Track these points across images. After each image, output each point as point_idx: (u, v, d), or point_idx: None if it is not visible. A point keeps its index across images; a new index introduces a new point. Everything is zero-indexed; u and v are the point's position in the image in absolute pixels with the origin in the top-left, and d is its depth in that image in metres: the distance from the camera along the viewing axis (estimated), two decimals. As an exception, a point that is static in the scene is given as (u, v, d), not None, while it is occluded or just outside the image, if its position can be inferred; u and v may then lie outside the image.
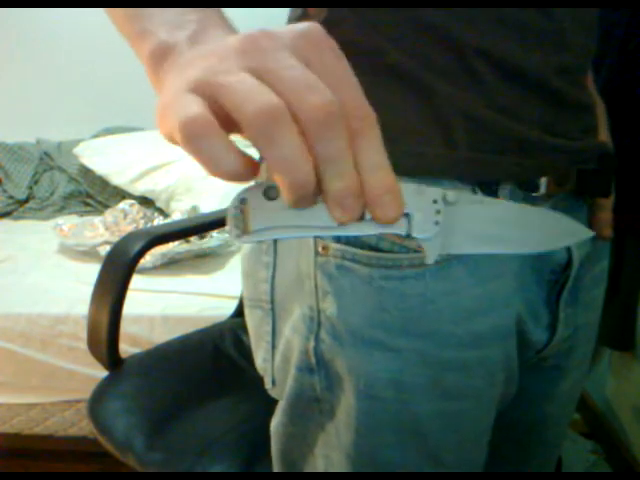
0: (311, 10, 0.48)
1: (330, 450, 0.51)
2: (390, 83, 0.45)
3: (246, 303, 0.55)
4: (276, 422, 0.54)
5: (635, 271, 1.39)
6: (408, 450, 0.49)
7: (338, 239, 0.46)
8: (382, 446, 0.49)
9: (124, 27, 0.37)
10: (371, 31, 0.45)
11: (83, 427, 1.48)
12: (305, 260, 0.47)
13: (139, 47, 0.34)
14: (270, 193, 0.28)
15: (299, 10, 0.49)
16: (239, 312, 1.25)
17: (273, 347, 0.52)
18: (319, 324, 0.47)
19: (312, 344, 0.48)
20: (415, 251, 0.45)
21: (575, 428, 1.66)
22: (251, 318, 0.54)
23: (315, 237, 0.46)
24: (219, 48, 0.27)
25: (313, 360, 0.48)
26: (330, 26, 0.45)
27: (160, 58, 0.32)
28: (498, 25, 0.44)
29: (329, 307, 0.46)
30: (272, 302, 0.51)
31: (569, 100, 0.49)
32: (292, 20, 0.51)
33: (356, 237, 0.44)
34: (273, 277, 0.50)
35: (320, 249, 0.46)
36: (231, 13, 0.38)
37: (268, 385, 0.54)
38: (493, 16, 0.44)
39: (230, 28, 0.34)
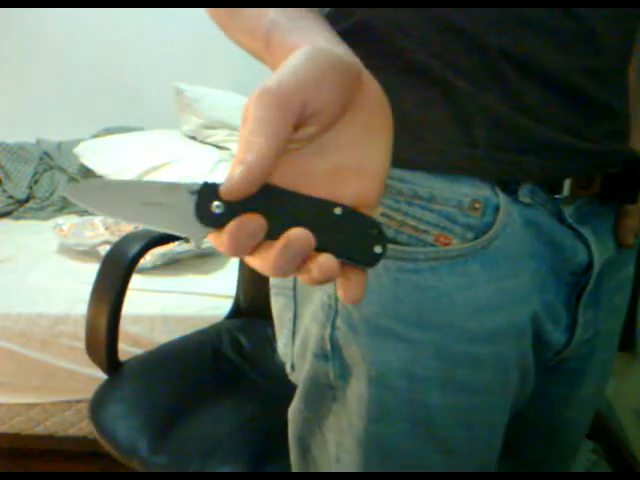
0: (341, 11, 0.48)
1: (342, 437, 0.51)
2: (415, 81, 0.46)
3: (272, 291, 0.56)
4: (293, 407, 0.56)
5: (635, 272, 1.39)
6: (418, 439, 0.49)
7: None
8: (392, 434, 0.49)
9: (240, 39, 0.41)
10: (397, 32, 0.46)
11: (83, 427, 1.48)
12: None
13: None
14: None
15: (327, 10, 0.50)
16: (235, 313, 1.25)
17: (294, 333, 0.54)
18: (336, 312, 0.48)
19: (328, 331, 0.49)
20: (432, 245, 0.45)
21: (575, 428, 1.65)
22: (275, 304, 0.56)
23: None
24: None
25: (328, 347, 0.49)
26: (359, 28, 0.46)
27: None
28: (522, 26, 0.44)
29: None
30: (294, 289, 0.52)
31: (596, 103, 0.47)
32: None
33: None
34: None
35: None
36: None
37: (288, 370, 0.56)
38: (517, 17, 0.44)
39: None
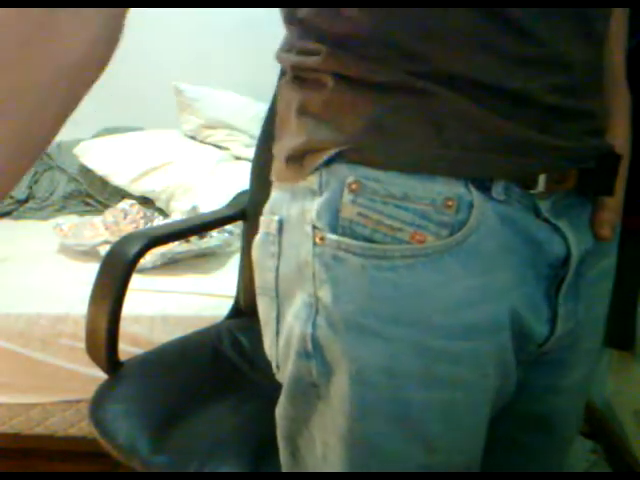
0: (309, 46, 0.50)
1: (327, 435, 0.52)
2: (389, 90, 0.47)
3: (257, 291, 0.57)
4: (279, 407, 0.56)
5: (635, 271, 1.39)
6: (400, 436, 0.50)
7: (334, 231, 0.47)
8: (375, 431, 0.50)
9: None
10: (362, 61, 0.47)
11: (83, 427, 1.48)
12: (305, 250, 0.49)
13: None
14: None
15: (294, 43, 0.51)
16: (235, 313, 1.25)
17: (277, 333, 0.54)
18: (317, 311, 0.49)
19: (310, 330, 0.50)
20: (407, 243, 0.46)
21: (575, 428, 1.66)
22: (260, 305, 0.57)
23: (313, 229, 0.48)
24: None
25: (310, 346, 0.50)
26: (324, 60, 0.48)
27: None
28: (482, 53, 0.45)
29: (325, 295, 0.48)
30: (277, 290, 0.53)
31: (565, 111, 0.49)
32: (286, 52, 0.53)
33: (350, 229, 0.47)
34: (278, 266, 0.52)
35: (317, 240, 0.48)
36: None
37: (274, 370, 0.57)
38: (476, 43, 0.45)
39: None
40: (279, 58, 0.55)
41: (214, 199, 1.91)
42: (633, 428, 1.50)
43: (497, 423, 0.56)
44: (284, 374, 0.54)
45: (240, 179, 1.68)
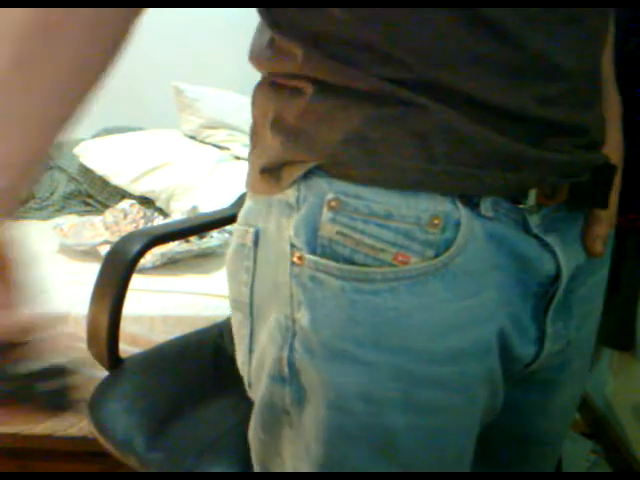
0: (284, 46, 0.46)
1: (300, 463, 0.50)
2: (370, 99, 0.44)
3: (230, 304, 0.54)
4: (251, 429, 0.55)
5: (635, 271, 1.39)
6: (382, 463, 0.48)
7: (313, 250, 0.45)
8: (353, 458, 0.48)
9: None
10: (341, 64, 0.44)
11: (83, 427, 1.48)
12: (282, 269, 0.47)
13: None
14: None
15: (269, 45, 0.48)
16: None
17: (250, 351, 0.52)
18: (294, 334, 0.47)
19: (286, 353, 0.47)
20: (390, 264, 0.44)
21: (575, 428, 1.66)
22: (234, 319, 0.54)
23: (291, 247, 0.46)
24: None
25: (286, 370, 0.48)
26: (302, 64, 0.45)
27: None
28: (468, 65, 0.42)
29: (302, 317, 0.46)
30: (251, 306, 0.51)
31: (558, 124, 0.46)
32: (261, 55, 0.49)
33: (330, 248, 0.45)
34: (252, 282, 0.50)
35: (295, 259, 0.46)
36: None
37: (246, 387, 0.55)
38: (463, 55, 0.42)
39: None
40: (252, 61, 0.51)
41: (214, 199, 1.91)
42: (633, 428, 1.50)
43: (479, 440, 0.53)
44: (256, 394, 0.52)
45: (240, 179, 1.67)
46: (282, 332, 0.47)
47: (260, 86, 0.51)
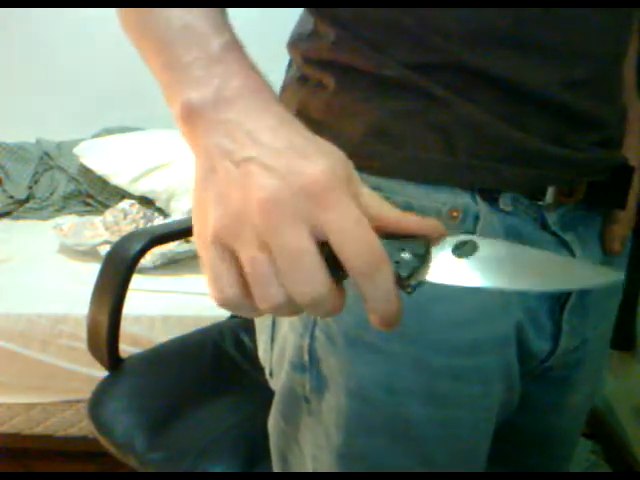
0: (321, 28, 0.48)
1: (319, 451, 0.51)
2: (394, 91, 0.45)
3: None
4: (271, 417, 0.55)
5: (635, 271, 1.39)
6: (399, 453, 0.49)
7: None
8: (374, 447, 0.49)
9: (146, 53, 0.39)
10: (370, 48, 0.45)
11: (83, 427, 1.48)
12: None
13: (167, 87, 0.38)
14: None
15: (309, 26, 0.49)
16: (239, 312, 1.25)
17: (272, 340, 0.53)
18: (314, 322, 0.48)
19: (307, 341, 0.48)
20: None
21: (575, 428, 1.66)
22: None
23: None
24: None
25: (306, 357, 0.48)
26: (333, 45, 0.46)
27: (188, 118, 0.36)
28: (497, 45, 0.43)
29: None
30: None
31: (579, 114, 0.47)
32: (298, 39, 0.51)
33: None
34: None
35: None
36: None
37: (267, 376, 0.56)
38: (493, 36, 0.43)
39: (252, 68, 0.35)
40: (289, 47, 0.53)
41: (214, 199, 1.91)
42: (633, 428, 1.50)
43: (495, 438, 0.54)
44: (277, 383, 0.53)
45: (240, 179, 1.68)
46: (303, 320, 0.48)
47: (288, 77, 0.53)
